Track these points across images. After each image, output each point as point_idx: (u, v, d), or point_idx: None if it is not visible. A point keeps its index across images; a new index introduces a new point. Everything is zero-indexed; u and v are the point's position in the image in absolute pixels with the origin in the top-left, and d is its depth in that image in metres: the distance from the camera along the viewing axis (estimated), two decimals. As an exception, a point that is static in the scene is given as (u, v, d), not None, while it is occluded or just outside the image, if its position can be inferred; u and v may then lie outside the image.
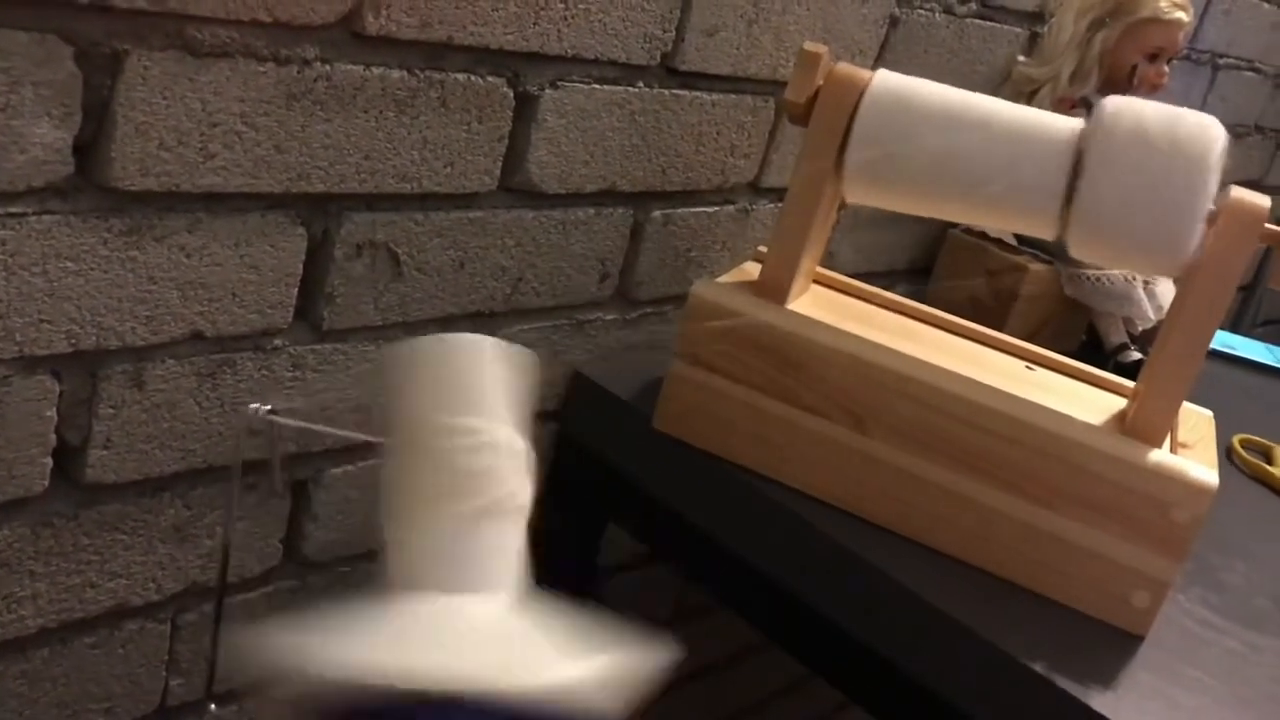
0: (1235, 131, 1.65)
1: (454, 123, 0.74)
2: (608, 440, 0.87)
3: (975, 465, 0.74)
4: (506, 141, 0.78)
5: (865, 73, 0.74)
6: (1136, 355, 1.14)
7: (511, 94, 0.77)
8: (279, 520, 0.78)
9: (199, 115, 0.63)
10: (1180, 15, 1.12)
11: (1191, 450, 0.76)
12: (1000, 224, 0.98)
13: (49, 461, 0.66)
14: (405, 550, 0.50)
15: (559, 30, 0.77)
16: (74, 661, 0.72)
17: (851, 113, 0.73)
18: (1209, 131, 0.69)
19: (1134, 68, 1.12)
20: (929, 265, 1.21)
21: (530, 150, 0.79)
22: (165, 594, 0.74)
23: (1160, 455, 0.72)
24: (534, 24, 0.75)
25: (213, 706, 0.78)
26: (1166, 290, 1.16)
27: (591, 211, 0.86)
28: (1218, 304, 0.70)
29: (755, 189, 0.99)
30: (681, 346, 0.79)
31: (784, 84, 0.80)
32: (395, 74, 0.70)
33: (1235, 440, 1.10)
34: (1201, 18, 1.43)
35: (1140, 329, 1.17)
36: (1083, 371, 0.85)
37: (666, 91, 0.87)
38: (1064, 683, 0.66)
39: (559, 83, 0.79)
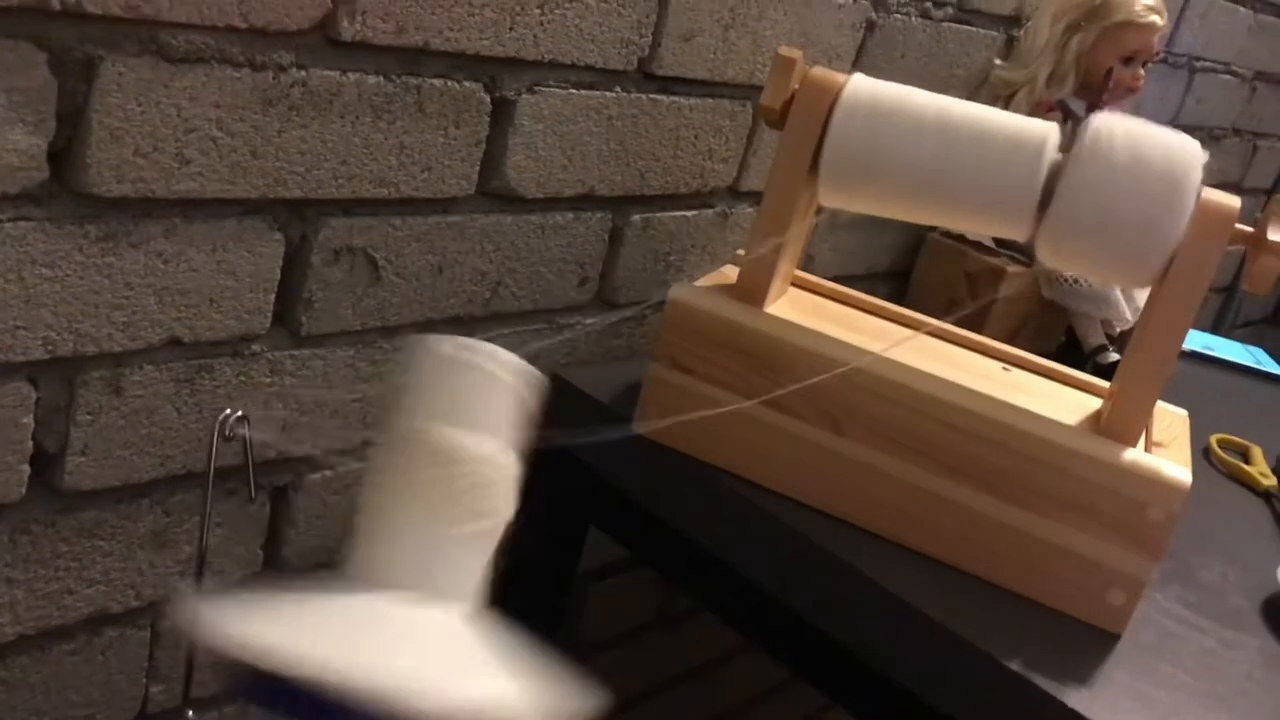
0: (1212, 134, 1.66)
1: (431, 128, 0.74)
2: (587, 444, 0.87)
3: (951, 466, 0.74)
4: (484, 146, 0.78)
5: (840, 76, 0.75)
6: (1115, 356, 1.15)
7: (488, 99, 0.77)
8: (259, 526, 0.78)
9: (174, 121, 0.63)
10: (1155, 19, 1.13)
11: (1166, 449, 0.76)
12: (974, 228, 0.98)
13: (26, 469, 0.65)
14: (373, 545, 0.50)
15: (535, 35, 0.77)
16: (53, 669, 0.72)
17: (827, 117, 0.74)
18: (1190, 157, 0.69)
19: (1110, 71, 1.13)
20: (908, 268, 1.22)
21: (508, 155, 0.80)
22: (145, 600, 0.74)
23: (1135, 454, 0.72)
24: (510, 29, 0.76)
25: (190, 714, 0.78)
26: (1144, 293, 1.16)
27: (570, 215, 0.87)
28: (1191, 304, 0.70)
29: (734, 193, 1.00)
30: (660, 350, 0.79)
31: (761, 88, 0.80)
32: (371, 79, 0.70)
33: (1213, 440, 1.11)
34: (1178, 21, 1.44)
35: (1119, 330, 1.18)
36: (1059, 372, 0.86)
37: (644, 96, 0.87)
38: (1041, 681, 0.66)
39: (536, 88, 0.79)
